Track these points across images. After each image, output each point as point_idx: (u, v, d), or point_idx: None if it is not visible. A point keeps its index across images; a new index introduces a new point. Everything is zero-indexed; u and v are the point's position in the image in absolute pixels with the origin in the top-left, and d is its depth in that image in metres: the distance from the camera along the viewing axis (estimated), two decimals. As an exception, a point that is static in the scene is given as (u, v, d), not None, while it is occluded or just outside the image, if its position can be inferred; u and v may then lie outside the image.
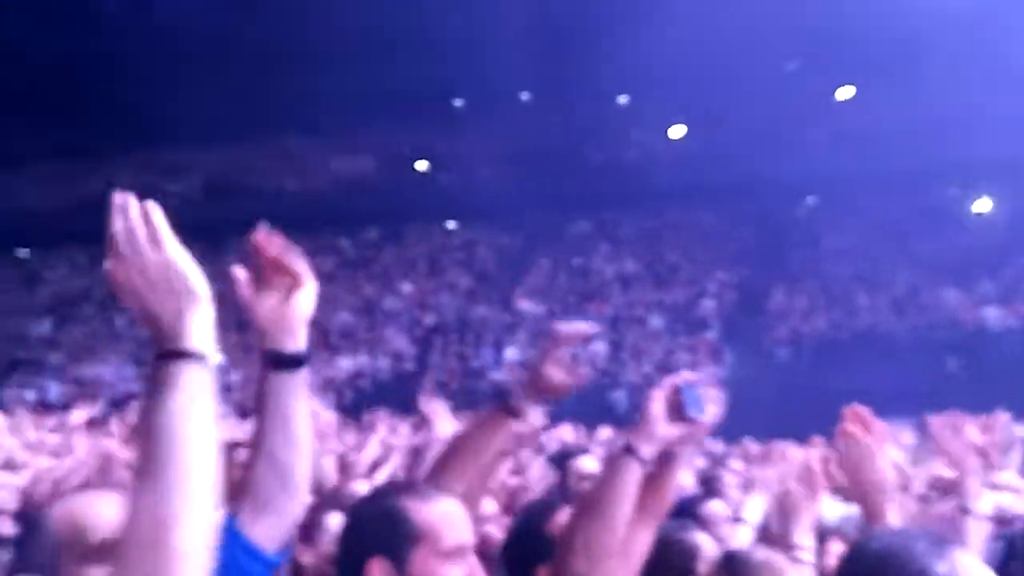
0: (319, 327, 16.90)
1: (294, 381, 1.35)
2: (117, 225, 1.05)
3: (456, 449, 1.95)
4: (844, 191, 20.17)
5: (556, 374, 1.91)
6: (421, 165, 25.63)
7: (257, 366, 1.39)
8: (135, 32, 25.99)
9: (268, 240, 1.32)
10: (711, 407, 1.89)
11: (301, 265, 1.35)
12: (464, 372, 18.08)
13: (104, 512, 1.21)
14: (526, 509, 2.34)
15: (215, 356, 1.03)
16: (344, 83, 24.30)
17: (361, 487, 2.85)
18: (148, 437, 0.96)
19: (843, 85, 21.36)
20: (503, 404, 1.93)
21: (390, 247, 24.21)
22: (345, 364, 18.43)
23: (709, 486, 4.08)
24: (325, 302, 1.47)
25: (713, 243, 21.44)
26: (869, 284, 18.45)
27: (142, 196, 1.07)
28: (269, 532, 1.34)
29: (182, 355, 1.01)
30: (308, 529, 2.68)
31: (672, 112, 22.90)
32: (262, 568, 1.32)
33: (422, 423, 3.27)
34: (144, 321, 1.04)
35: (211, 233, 24.94)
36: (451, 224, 24.79)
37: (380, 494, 1.68)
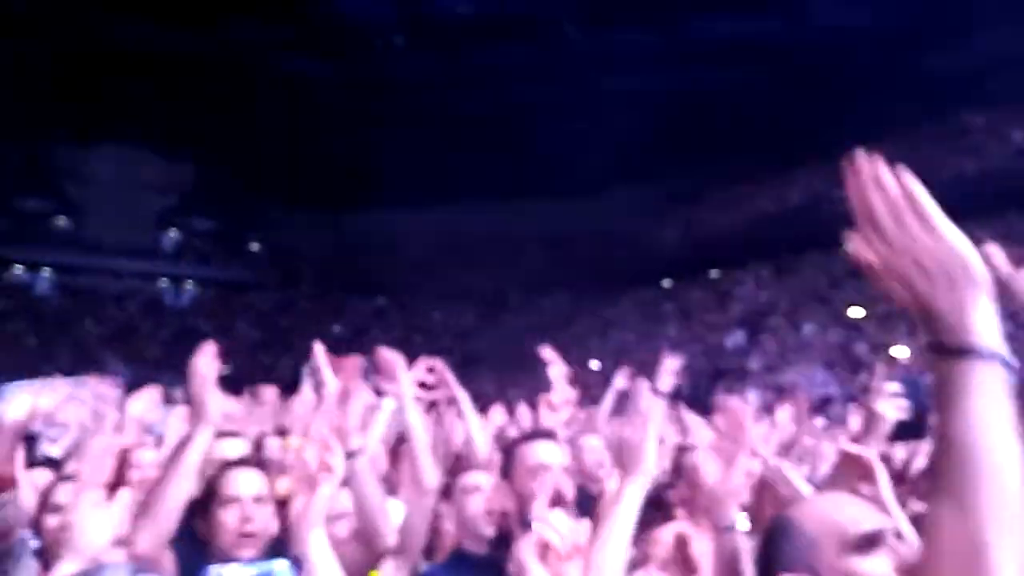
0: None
1: None
2: (873, 199, 0.94)
3: None
4: None
5: None
6: None
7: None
8: (780, 61, 27.24)
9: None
10: None
11: None
12: None
13: (855, 510, 1.17)
14: None
15: (1005, 352, 0.89)
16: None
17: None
18: (946, 449, 0.88)
19: None
20: None
21: (1099, 220, 20.10)
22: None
23: None
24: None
25: None
26: None
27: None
28: None
29: (969, 352, 0.89)
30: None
31: None
32: None
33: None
34: (916, 311, 0.92)
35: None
36: None
37: None
